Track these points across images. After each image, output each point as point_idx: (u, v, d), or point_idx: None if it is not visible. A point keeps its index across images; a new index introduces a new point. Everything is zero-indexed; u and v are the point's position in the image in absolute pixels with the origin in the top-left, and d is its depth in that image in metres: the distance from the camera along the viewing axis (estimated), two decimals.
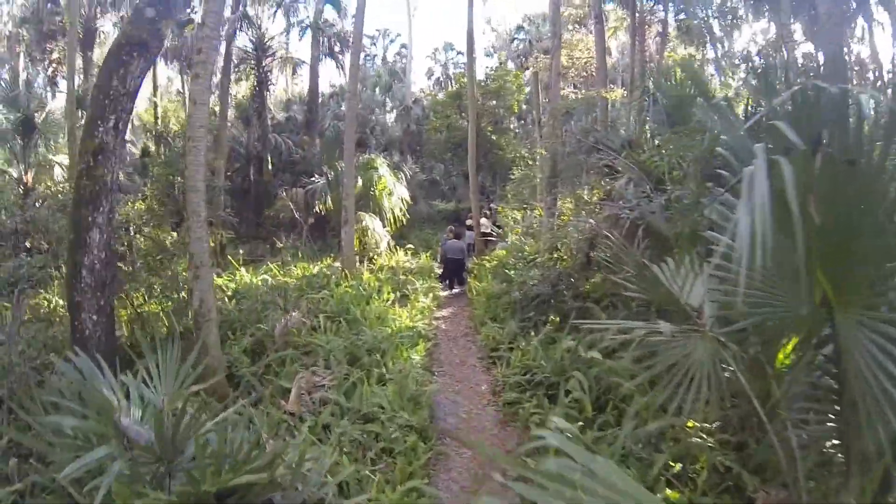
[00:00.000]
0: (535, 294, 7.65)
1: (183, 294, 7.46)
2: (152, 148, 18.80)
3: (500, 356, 7.34)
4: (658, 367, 2.94)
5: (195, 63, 6.24)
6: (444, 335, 9.04)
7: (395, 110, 32.91)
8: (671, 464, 3.93)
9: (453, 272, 13.11)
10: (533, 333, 7.41)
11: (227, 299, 9.34)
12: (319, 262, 13.66)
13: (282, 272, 12.25)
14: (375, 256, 13.38)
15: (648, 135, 7.79)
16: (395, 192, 14.01)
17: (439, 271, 14.13)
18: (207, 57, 6.10)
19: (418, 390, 6.06)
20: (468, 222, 16.03)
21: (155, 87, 20.90)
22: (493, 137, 20.21)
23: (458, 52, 36.15)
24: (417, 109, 27.43)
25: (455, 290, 12.92)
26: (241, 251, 13.71)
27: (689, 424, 4.03)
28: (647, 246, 5.46)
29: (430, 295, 10.54)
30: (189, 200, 5.97)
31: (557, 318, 7.45)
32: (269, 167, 17.61)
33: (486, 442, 5.39)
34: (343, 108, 29.52)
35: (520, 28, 33.27)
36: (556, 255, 7.88)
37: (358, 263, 12.80)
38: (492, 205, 19.73)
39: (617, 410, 4.98)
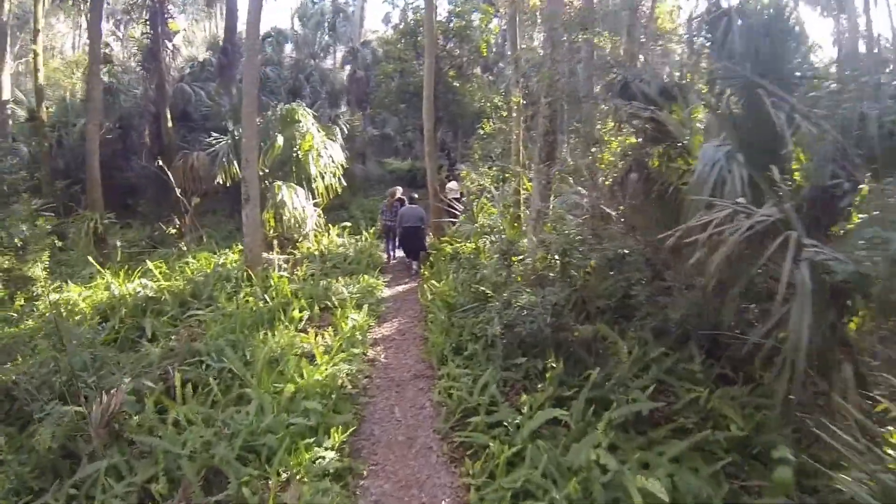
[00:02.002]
0: (527, 331, 4.61)
1: None
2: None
3: (471, 438, 4.33)
4: None
5: None
6: (383, 376, 5.89)
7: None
8: None
9: (411, 245, 10.07)
10: (524, 396, 4.49)
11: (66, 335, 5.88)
12: (230, 250, 10.24)
13: (172, 270, 8.77)
14: (300, 240, 10.00)
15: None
16: (325, 152, 10.46)
17: (382, 254, 11.03)
18: None
19: None
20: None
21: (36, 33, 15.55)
22: (456, 85, 16.61)
23: None
24: (367, 52, 23.20)
25: (413, 272, 9.91)
26: (119, 242, 10.06)
27: None
28: None
29: (366, 305, 7.28)
30: None
31: (561, 363, 4.57)
32: (169, 125, 13.56)
33: None
34: (282, 53, 25.19)
35: None
36: (563, 261, 4.80)
37: (275, 251, 9.42)
38: (458, 165, 16.26)
39: None
